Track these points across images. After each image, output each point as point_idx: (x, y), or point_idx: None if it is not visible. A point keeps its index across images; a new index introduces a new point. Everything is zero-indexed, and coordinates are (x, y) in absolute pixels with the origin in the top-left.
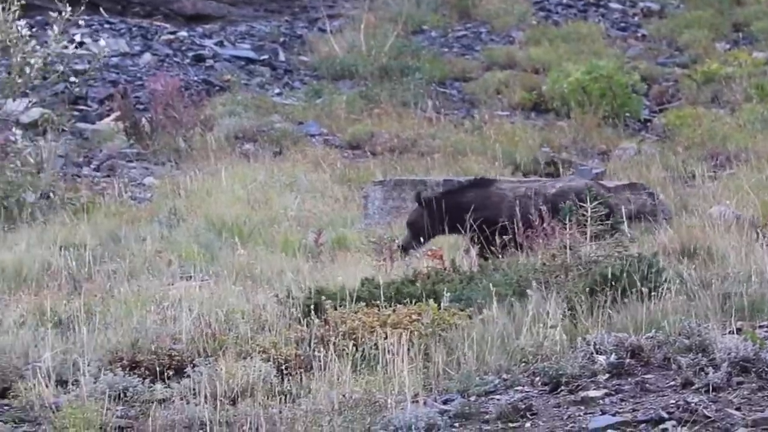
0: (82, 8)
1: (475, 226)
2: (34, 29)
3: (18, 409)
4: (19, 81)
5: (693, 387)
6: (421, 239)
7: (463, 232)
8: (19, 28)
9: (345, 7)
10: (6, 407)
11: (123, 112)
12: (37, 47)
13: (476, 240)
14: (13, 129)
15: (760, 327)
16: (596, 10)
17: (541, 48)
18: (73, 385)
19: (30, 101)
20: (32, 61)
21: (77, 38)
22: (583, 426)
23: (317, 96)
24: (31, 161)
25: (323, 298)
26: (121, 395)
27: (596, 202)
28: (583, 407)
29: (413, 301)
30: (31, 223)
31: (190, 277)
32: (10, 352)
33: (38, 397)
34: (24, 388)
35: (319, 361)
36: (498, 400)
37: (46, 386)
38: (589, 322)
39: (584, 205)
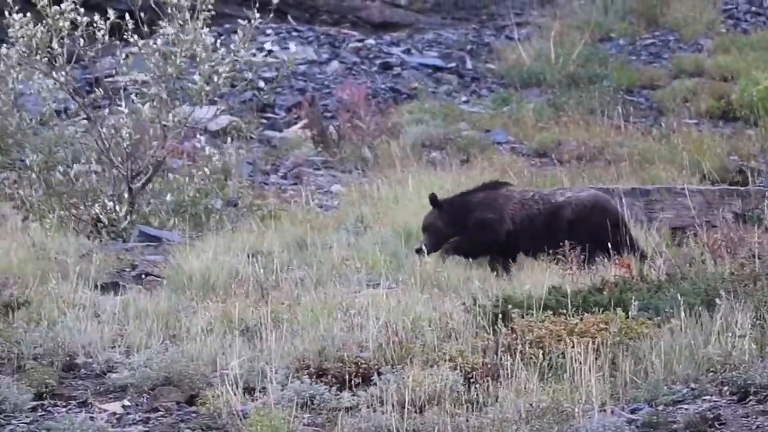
0: (271, 16)
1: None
2: (222, 37)
3: (206, 416)
4: (207, 89)
5: None
6: (439, 241)
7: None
8: (208, 36)
9: (532, 15)
10: (194, 414)
11: (310, 120)
12: (225, 55)
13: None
14: (198, 136)
15: None
16: None
17: (730, 56)
18: (260, 392)
19: (218, 109)
20: (220, 69)
21: (266, 46)
22: None
23: (504, 104)
24: (219, 167)
25: (510, 306)
26: (308, 403)
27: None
28: None
29: (600, 310)
30: (219, 230)
31: (377, 284)
32: (198, 360)
33: (226, 404)
34: (212, 395)
35: (506, 369)
36: (686, 409)
37: (234, 394)
38: None
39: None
